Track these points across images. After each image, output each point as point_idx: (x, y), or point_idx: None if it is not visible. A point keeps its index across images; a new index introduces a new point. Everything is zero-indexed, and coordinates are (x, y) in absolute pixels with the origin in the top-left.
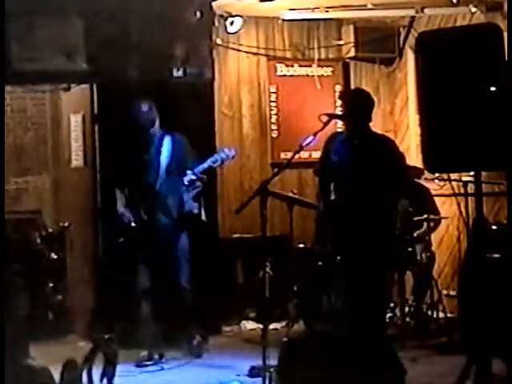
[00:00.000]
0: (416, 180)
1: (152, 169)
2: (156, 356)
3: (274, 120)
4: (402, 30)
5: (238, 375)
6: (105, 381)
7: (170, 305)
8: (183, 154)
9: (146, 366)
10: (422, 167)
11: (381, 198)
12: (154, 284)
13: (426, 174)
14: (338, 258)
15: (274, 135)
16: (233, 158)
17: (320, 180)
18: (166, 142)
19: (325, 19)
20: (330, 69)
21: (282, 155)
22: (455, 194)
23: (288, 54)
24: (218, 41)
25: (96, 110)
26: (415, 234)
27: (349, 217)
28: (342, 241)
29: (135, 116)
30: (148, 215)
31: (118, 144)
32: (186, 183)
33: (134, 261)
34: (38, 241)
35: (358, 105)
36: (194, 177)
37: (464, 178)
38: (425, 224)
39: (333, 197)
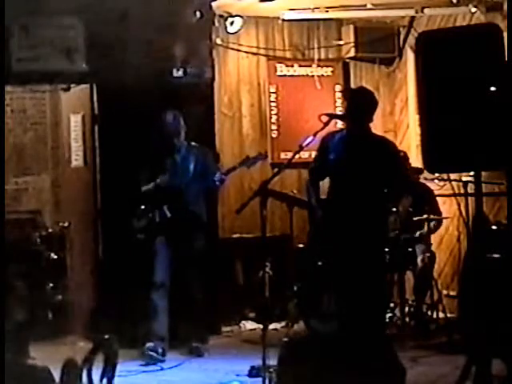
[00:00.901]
0: (419, 180)
1: (178, 173)
2: (160, 350)
3: (274, 120)
4: (401, 29)
5: (238, 375)
6: (105, 381)
7: (179, 302)
8: (208, 165)
9: (151, 357)
10: (421, 167)
11: (378, 199)
12: (169, 279)
13: (426, 174)
14: (335, 257)
15: (274, 135)
16: (265, 158)
17: (313, 178)
18: (193, 152)
19: (325, 19)
20: (330, 69)
21: (282, 155)
22: (455, 194)
23: (288, 54)
24: (218, 41)
25: (96, 110)
26: (417, 234)
27: (346, 216)
28: (339, 240)
29: (162, 125)
30: (171, 213)
31: (120, 144)
32: (218, 182)
33: (152, 255)
34: (38, 241)
35: (360, 103)
36: (224, 177)
37: (464, 178)
38: (426, 224)
39: (325, 196)
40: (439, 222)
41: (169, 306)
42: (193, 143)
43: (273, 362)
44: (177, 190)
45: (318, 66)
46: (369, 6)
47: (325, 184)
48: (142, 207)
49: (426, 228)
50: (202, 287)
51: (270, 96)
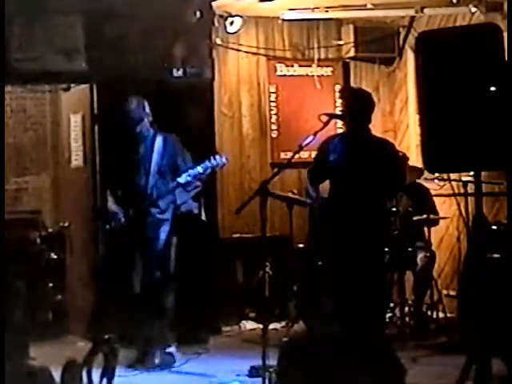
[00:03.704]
0: (416, 180)
1: (142, 169)
2: (145, 361)
3: (273, 120)
4: (401, 29)
5: (238, 375)
6: (105, 381)
7: (150, 308)
8: (176, 155)
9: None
10: (421, 167)
11: (377, 199)
12: (139, 286)
13: (426, 174)
14: (335, 257)
15: (274, 135)
16: (223, 165)
17: (312, 180)
18: (158, 142)
19: (325, 19)
20: (330, 69)
21: (282, 155)
22: (455, 194)
23: (288, 54)
24: (218, 41)
25: (96, 110)
26: (414, 218)
27: (346, 216)
28: (339, 240)
29: (122, 113)
30: (137, 215)
31: (115, 143)
32: (182, 182)
33: (122, 261)
34: (38, 241)
35: (357, 105)
36: (190, 178)
37: (464, 178)
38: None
39: (326, 195)
40: (434, 224)
41: (143, 311)
42: (156, 129)
43: (273, 362)
44: (142, 188)
45: (318, 65)
46: (369, 5)
47: (325, 186)
48: (112, 207)
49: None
50: (171, 291)
51: (269, 96)
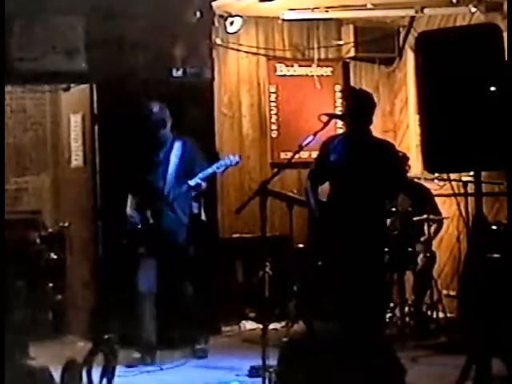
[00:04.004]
0: (417, 180)
1: (160, 172)
2: (148, 360)
3: (273, 120)
4: (401, 29)
5: (238, 375)
6: (104, 381)
7: (172, 308)
8: (193, 160)
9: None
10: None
11: (377, 200)
12: (156, 287)
13: (426, 174)
14: (335, 257)
15: (274, 135)
16: (236, 164)
17: (312, 182)
18: (177, 146)
19: (324, 19)
20: (330, 69)
21: (282, 155)
22: (455, 194)
23: (288, 54)
24: (218, 41)
25: (96, 110)
26: (422, 239)
27: (346, 216)
28: (339, 240)
29: (146, 116)
30: (154, 218)
31: (120, 144)
32: (193, 185)
33: (137, 263)
34: (38, 241)
35: (358, 105)
36: (200, 181)
37: (464, 178)
38: (426, 229)
39: (325, 198)
40: (439, 226)
41: (161, 312)
42: (175, 133)
43: (273, 362)
44: (159, 191)
45: (318, 65)
46: (369, 6)
47: (324, 187)
48: (128, 211)
49: (426, 233)
50: (191, 291)
51: (269, 96)
